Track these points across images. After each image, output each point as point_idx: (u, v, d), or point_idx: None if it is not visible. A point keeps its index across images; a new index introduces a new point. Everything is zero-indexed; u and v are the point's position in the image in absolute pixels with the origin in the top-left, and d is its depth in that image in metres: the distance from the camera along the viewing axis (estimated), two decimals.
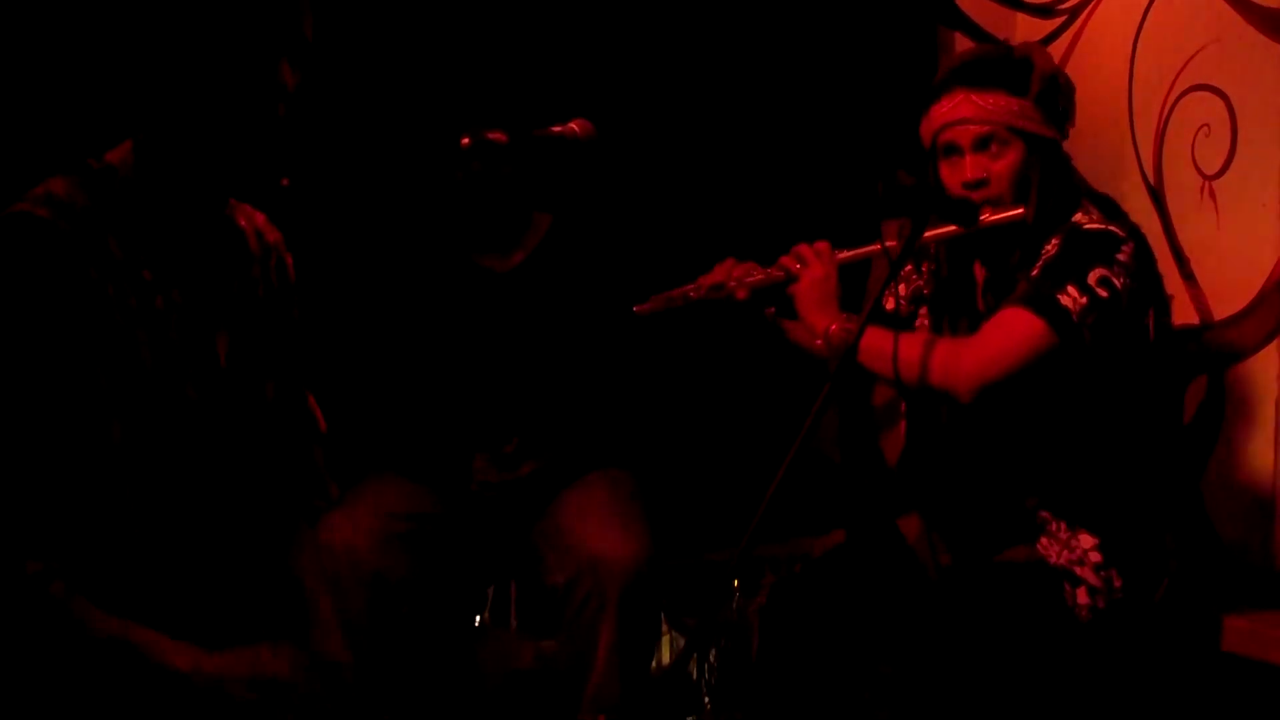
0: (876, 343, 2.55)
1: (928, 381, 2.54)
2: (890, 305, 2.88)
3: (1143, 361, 2.63)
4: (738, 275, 2.75)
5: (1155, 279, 2.65)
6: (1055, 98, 2.65)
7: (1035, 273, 2.58)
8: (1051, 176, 2.64)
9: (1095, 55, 3.37)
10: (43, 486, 1.83)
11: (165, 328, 1.92)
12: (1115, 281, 2.53)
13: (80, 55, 3.02)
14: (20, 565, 1.81)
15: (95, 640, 1.84)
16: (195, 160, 1.93)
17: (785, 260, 2.75)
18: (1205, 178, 3.09)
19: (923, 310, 2.85)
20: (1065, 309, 2.50)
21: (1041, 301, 2.51)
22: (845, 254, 2.74)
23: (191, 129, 1.91)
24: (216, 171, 1.94)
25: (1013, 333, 2.52)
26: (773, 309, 2.79)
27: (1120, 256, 2.54)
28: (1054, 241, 2.60)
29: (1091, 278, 2.52)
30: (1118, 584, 2.54)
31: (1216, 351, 3.05)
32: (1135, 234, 2.60)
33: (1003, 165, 2.63)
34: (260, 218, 2.14)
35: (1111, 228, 2.58)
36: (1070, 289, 2.51)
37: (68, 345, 1.84)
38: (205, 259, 2.00)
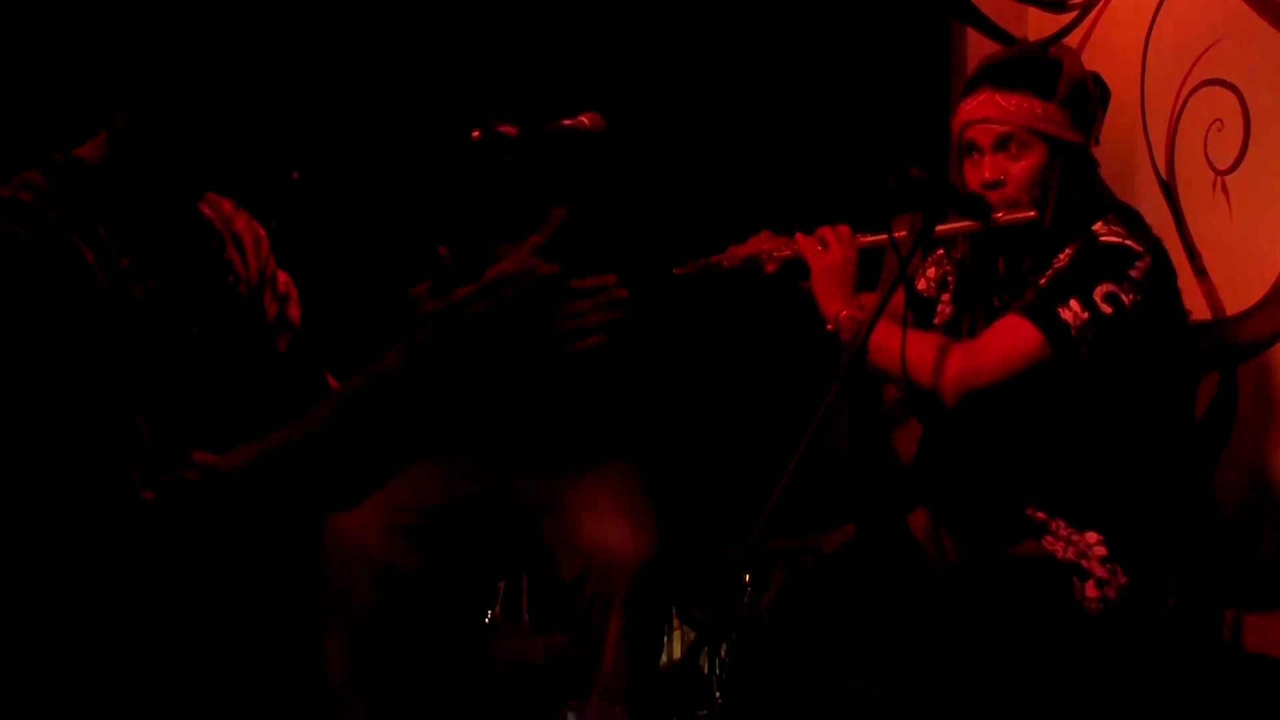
0: (883, 340, 2.52)
1: (920, 381, 2.53)
2: (921, 285, 2.88)
3: (1153, 369, 2.60)
4: (768, 249, 2.79)
5: (1172, 294, 2.61)
6: (1083, 102, 2.62)
7: (1044, 281, 2.56)
8: (1072, 181, 2.61)
9: (1108, 49, 3.36)
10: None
11: (144, 315, 1.93)
12: (1124, 298, 2.49)
13: (56, 47, 3.03)
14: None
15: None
16: (165, 151, 1.94)
17: (808, 241, 2.75)
18: (1217, 172, 3.08)
19: (945, 296, 2.84)
20: (1065, 323, 2.48)
21: (1042, 313, 2.49)
22: (867, 238, 2.74)
23: (162, 120, 1.91)
24: (187, 163, 1.95)
25: (1007, 341, 2.51)
26: (806, 282, 2.77)
27: (1133, 273, 2.51)
28: (1068, 250, 2.57)
29: (1098, 293, 2.49)
30: (1123, 580, 2.54)
31: (1229, 346, 3.04)
32: (1155, 249, 2.57)
33: (1021, 167, 2.60)
34: (227, 204, 2.14)
35: (1129, 242, 2.54)
36: (1073, 303, 2.48)
37: (46, 321, 1.84)
38: (176, 249, 2.01)
